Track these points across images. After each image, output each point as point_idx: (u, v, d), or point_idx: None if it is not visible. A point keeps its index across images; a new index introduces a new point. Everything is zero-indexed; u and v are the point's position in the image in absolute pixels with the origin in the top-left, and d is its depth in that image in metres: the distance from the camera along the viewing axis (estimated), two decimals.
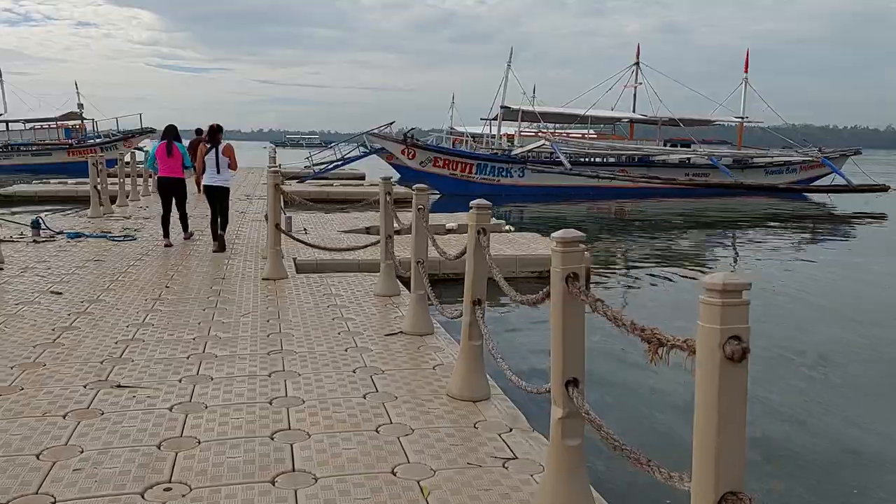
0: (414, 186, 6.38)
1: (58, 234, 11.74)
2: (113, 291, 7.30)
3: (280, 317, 6.43)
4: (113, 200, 16.62)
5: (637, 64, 30.67)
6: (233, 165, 10.28)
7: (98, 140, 39.57)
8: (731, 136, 35.00)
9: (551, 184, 27.20)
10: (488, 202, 4.28)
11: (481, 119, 31.20)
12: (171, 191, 10.73)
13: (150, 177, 20.89)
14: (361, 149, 40.64)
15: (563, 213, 24.16)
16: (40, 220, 11.81)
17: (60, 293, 7.09)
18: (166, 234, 10.71)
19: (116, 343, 5.45)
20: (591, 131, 33.47)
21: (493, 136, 29.57)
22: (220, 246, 10.18)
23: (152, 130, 40.79)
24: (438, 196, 26.73)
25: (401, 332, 6.00)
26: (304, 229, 12.81)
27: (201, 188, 10.65)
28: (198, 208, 14.55)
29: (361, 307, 6.93)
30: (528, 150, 27.10)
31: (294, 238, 9.01)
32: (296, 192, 16.79)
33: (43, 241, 10.99)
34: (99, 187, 14.92)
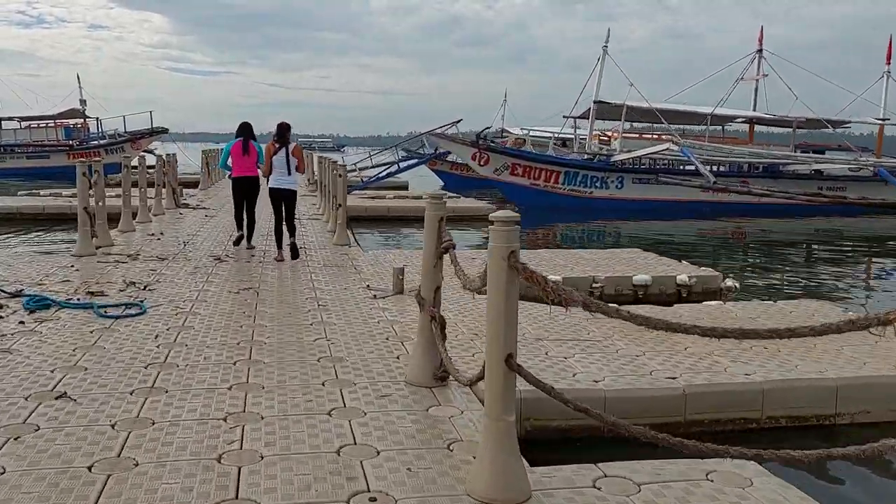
0: None
1: (14, 295, 6.88)
2: None
3: None
4: (115, 221, 11.78)
5: (760, 52, 25.46)
6: (301, 167, 9.72)
7: (103, 141, 34.70)
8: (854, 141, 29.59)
9: (656, 197, 22.18)
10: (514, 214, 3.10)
11: (564, 117, 26.20)
12: (247, 191, 10.18)
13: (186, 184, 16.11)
14: (403, 153, 35.84)
15: (670, 234, 19.17)
16: None
17: None
18: (240, 227, 10.39)
19: None
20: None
21: (583, 138, 24.45)
22: (294, 253, 9.42)
23: (165, 131, 36.04)
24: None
25: None
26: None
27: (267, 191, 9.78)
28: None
29: None
30: (647, 156, 21.99)
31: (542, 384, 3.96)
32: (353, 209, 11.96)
33: None
34: (93, 208, 10.02)
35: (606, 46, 22.79)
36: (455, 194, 22.89)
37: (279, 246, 9.49)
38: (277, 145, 9.35)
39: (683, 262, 10.03)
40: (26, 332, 5.67)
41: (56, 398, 4.24)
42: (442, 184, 37.76)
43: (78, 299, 6.82)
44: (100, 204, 10.38)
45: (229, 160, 10.20)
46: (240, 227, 10.40)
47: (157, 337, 5.60)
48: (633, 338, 5.89)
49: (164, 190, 16.16)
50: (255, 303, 6.93)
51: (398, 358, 5.23)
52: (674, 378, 4.95)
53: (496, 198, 26.54)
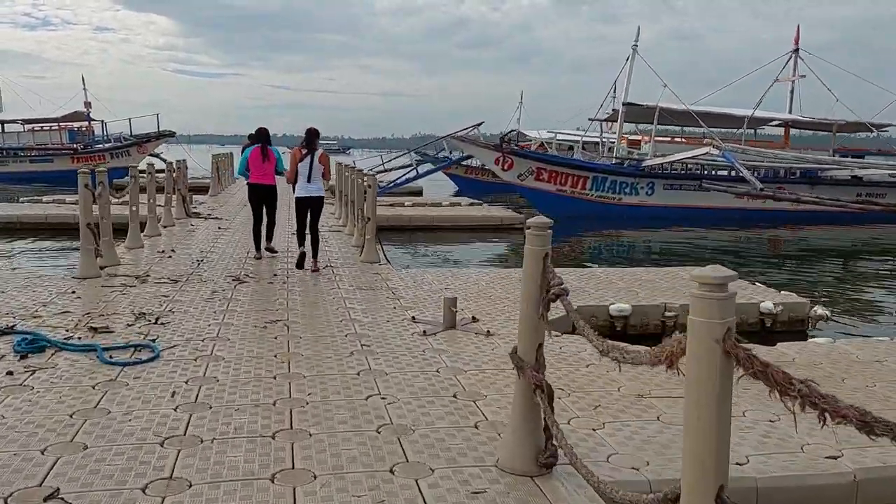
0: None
1: (5, 333, 5.86)
2: None
3: None
4: (121, 232, 10.82)
5: (796, 51, 24.31)
6: (326, 175, 9.34)
7: (108, 145, 33.69)
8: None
9: (687, 204, 21.07)
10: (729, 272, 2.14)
11: (590, 119, 25.11)
12: (264, 199, 9.91)
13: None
14: (416, 156, 34.89)
15: (708, 245, 18.11)
16: None
17: None
18: (258, 248, 10.08)
19: None
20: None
21: (608, 142, 23.22)
22: (314, 265, 9.10)
23: (172, 134, 35.06)
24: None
25: None
26: (488, 332, 6.85)
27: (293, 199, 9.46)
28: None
29: None
30: (683, 160, 20.82)
31: None
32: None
33: None
34: (97, 223, 9.02)
35: (636, 45, 21.65)
36: (477, 200, 21.87)
37: (300, 243, 9.26)
38: (304, 151, 9.01)
39: (758, 283, 8.95)
40: (15, 388, 4.63)
41: (45, 500, 3.18)
42: (456, 188, 36.73)
43: (79, 338, 5.78)
44: (104, 220, 9.36)
45: (248, 168, 9.91)
46: (258, 247, 10.08)
47: (174, 395, 4.55)
48: (754, 394, 4.80)
49: (174, 198, 15.14)
50: (287, 341, 5.88)
51: (476, 427, 4.17)
52: (836, 458, 3.88)
53: (510, 202, 25.53)
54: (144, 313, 6.65)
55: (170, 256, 10.22)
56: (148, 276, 8.62)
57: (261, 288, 8.11)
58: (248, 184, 10.20)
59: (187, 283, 8.27)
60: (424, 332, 6.25)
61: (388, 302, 7.54)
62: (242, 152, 10.54)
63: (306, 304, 7.33)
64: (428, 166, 28.99)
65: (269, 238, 10.19)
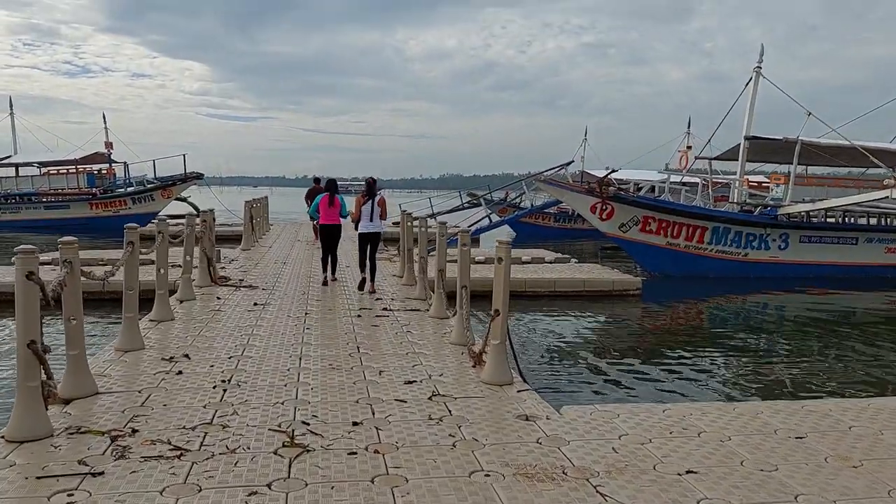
0: None
1: None
2: None
3: None
4: (111, 298, 7.31)
5: None
6: (383, 215, 11.25)
7: (130, 189, 30.49)
8: None
9: (829, 261, 17.10)
10: None
11: (697, 157, 21.28)
12: (331, 234, 11.90)
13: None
14: (467, 197, 31.60)
15: (845, 307, 14.05)
16: None
17: None
18: (325, 271, 12.19)
19: None
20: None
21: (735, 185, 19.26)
22: (371, 287, 11.11)
23: (199, 176, 31.93)
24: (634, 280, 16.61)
25: None
26: None
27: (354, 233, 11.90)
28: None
29: None
30: (846, 207, 16.79)
31: None
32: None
33: None
34: (75, 320, 5.41)
35: (760, 67, 17.82)
36: (568, 256, 18.00)
37: (362, 270, 11.23)
38: (366, 197, 10.97)
39: None
40: None
41: None
42: (514, 234, 33.08)
43: None
44: (73, 321, 5.71)
45: (318, 212, 11.87)
46: (325, 268, 12.18)
47: None
48: None
49: (195, 260, 11.49)
50: None
51: None
52: None
53: (573, 252, 21.79)
54: None
55: (179, 372, 6.51)
56: (135, 431, 4.88)
57: (335, 469, 4.33)
58: (317, 224, 12.60)
59: (200, 454, 4.51)
60: None
61: None
62: (307, 196, 15.80)
63: None
64: (499, 217, 25.71)
65: (333, 270, 12.21)
